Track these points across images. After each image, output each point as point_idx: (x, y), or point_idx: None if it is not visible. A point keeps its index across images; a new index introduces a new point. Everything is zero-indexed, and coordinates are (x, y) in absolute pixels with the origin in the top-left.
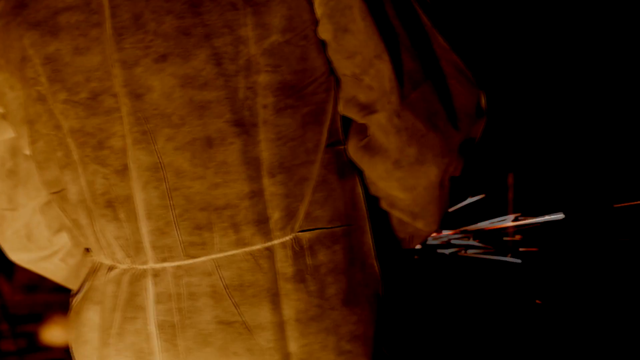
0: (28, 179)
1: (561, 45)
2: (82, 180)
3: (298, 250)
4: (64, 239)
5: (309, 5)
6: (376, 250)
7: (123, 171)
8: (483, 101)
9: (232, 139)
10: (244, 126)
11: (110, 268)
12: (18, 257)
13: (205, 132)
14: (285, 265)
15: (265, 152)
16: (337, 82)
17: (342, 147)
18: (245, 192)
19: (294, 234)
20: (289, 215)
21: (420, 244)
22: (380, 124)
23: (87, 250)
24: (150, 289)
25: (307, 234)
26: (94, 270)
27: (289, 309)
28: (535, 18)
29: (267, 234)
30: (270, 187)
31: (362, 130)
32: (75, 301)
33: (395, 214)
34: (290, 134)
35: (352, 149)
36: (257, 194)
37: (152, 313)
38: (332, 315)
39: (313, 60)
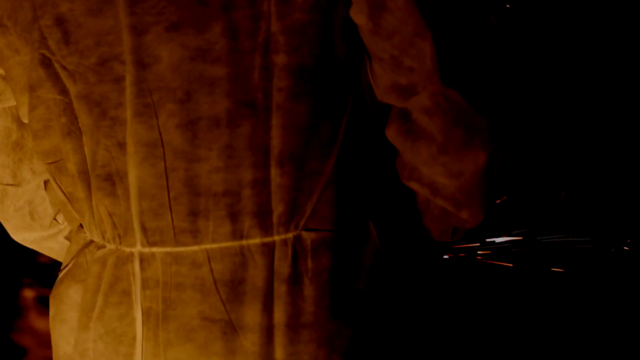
0: (34, 152)
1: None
2: (86, 149)
3: (300, 250)
4: None
5: None
6: (380, 259)
7: (125, 144)
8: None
9: (241, 121)
10: (256, 109)
11: (99, 247)
12: (22, 237)
13: (211, 111)
14: (283, 265)
15: (276, 139)
16: (371, 69)
17: (362, 145)
18: (248, 179)
19: (297, 232)
20: (295, 210)
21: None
22: (423, 106)
23: (81, 226)
24: (137, 274)
25: (312, 234)
26: (83, 247)
27: (281, 313)
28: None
29: (267, 229)
30: (277, 177)
31: (405, 114)
32: (59, 276)
33: (439, 202)
34: (304, 122)
35: (393, 134)
36: (261, 184)
37: (138, 298)
38: (328, 326)
39: (336, 46)
